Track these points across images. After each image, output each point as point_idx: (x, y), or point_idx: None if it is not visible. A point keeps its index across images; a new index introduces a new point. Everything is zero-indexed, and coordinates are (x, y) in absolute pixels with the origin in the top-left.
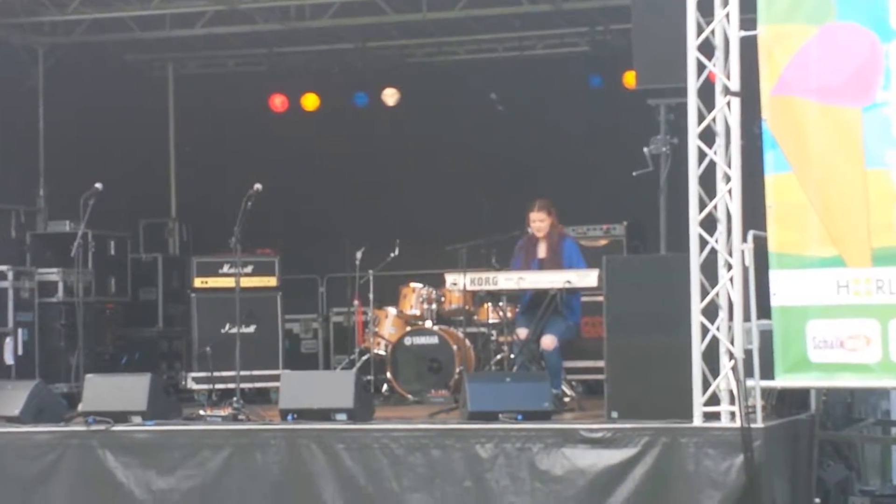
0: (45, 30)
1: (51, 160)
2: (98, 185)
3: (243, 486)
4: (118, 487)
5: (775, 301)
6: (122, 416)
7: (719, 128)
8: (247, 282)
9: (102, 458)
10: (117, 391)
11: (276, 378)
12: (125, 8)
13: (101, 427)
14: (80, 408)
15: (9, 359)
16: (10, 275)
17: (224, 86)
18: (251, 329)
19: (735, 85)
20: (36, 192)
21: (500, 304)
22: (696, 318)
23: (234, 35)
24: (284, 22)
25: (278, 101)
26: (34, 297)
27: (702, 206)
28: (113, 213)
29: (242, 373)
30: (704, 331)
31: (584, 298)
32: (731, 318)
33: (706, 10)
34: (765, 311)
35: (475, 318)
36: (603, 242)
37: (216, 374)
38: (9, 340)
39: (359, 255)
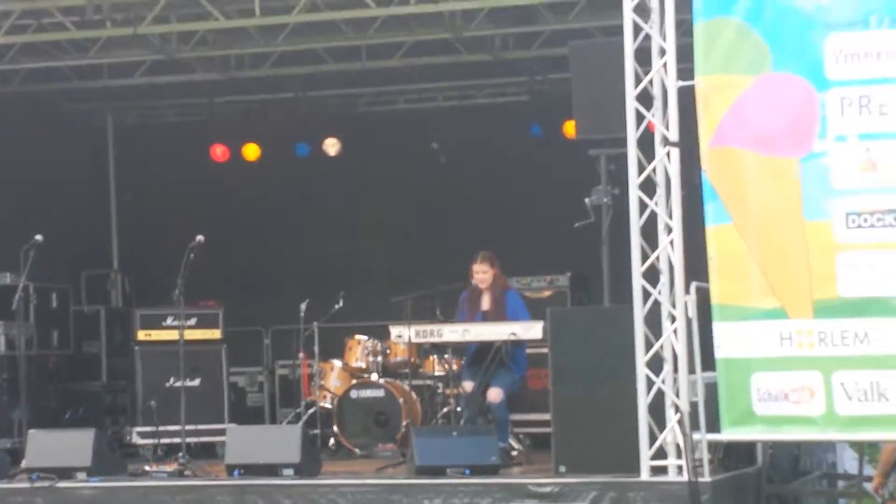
0: None
1: None
2: (38, 237)
3: None
4: None
5: (719, 353)
6: (66, 473)
7: (659, 178)
8: (190, 334)
9: None
10: (61, 447)
11: (222, 432)
12: (62, 57)
13: (46, 484)
14: (24, 464)
15: None
16: None
17: (164, 135)
18: (196, 382)
19: (674, 135)
20: None
21: (446, 356)
22: (642, 371)
23: (174, 85)
24: (224, 72)
25: (219, 151)
26: None
27: (644, 257)
28: (54, 265)
29: (188, 427)
30: (650, 383)
31: (529, 350)
32: (675, 370)
33: (644, 60)
34: (710, 362)
35: (421, 370)
36: (547, 293)
37: (161, 428)
38: None
39: (303, 307)
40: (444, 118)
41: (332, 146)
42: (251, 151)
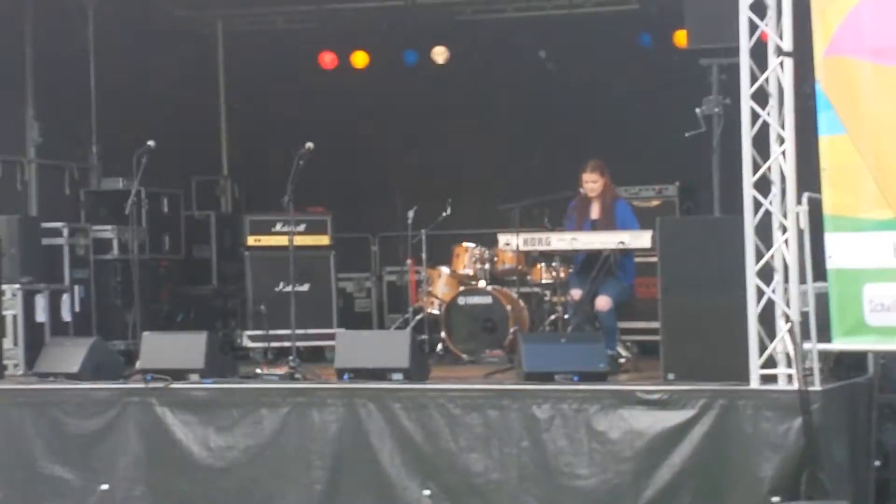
0: None
1: (103, 118)
2: (150, 143)
3: (301, 445)
4: (177, 444)
5: (831, 264)
6: (179, 374)
7: (772, 89)
8: (300, 240)
9: (161, 415)
10: (174, 349)
11: (331, 337)
12: None
13: (160, 384)
14: (138, 365)
15: (66, 316)
16: (66, 232)
17: (273, 43)
18: (305, 288)
19: (788, 45)
20: (89, 149)
21: (554, 264)
22: (752, 281)
23: None
24: None
25: (328, 59)
26: (89, 255)
27: (755, 167)
28: (165, 171)
29: (297, 331)
30: (760, 293)
31: (637, 259)
32: (786, 280)
33: None
34: (821, 273)
35: (528, 278)
36: (655, 203)
37: (271, 332)
38: (66, 297)
39: (411, 214)
40: (552, 26)
41: (440, 54)
42: (360, 59)
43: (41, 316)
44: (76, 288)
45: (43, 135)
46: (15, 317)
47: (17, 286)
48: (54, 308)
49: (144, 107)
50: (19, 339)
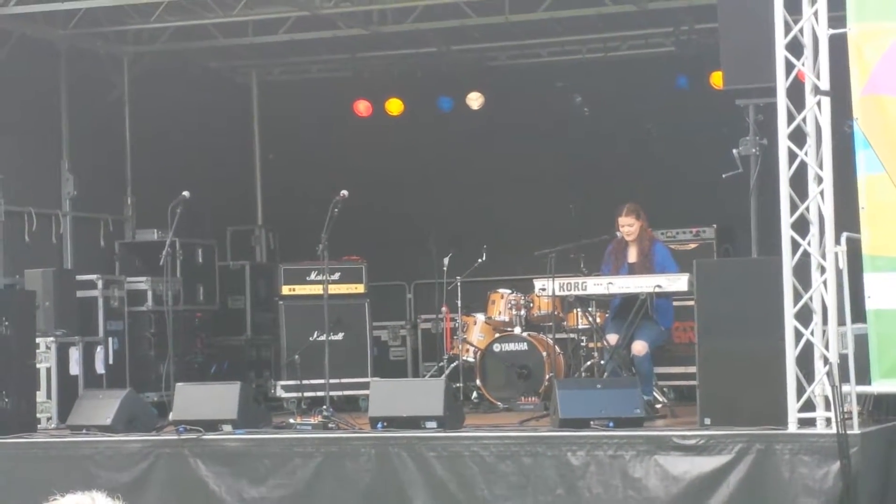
0: (129, 38)
1: (138, 169)
2: (185, 193)
3: (334, 495)
4: (210, 496)
5: (870, 304)
6: (212, 425)
7: (809, 128)
8: (334, 289)
9: (194, 466)
10: (207, 400)
11: (366, 386)
12: (207, 15)
13: (192, 436)
14: (171, 417)
15: (99, 368)
16: (100, 284)
17: (308, 92)
18: (339, 336)
19: (825, 84)
20: (123, 200)
21: (590, 309)
22: (790, 323)
23: (317, 41)
24: (367, 27)
25: (362, 107)
26: (123, 306)
27: (793, 208)
28: (200, 222)
29: (331, 381)
30: (798, 335)
31: (675, 303)
32: (825, 322)
33: (794, 7)
34: (860, 314)
35: (564, 324)
36: (692, 246)
37: (305, 381)
38: (99, 349)
39: (446, 261)
40: (587, 70)
41: (475, 100)
42: (394, 106)
43: (75, 368)
44: (110, 340)
45: (78, 187)
46: (49, 369)
47: (52, 339)
48: (88, 360)
49: (179, 158)
50: (52, 391)
